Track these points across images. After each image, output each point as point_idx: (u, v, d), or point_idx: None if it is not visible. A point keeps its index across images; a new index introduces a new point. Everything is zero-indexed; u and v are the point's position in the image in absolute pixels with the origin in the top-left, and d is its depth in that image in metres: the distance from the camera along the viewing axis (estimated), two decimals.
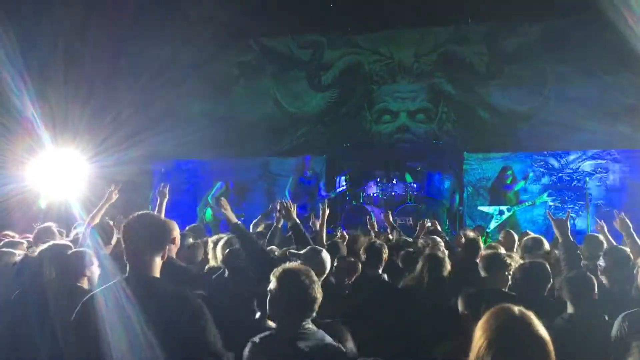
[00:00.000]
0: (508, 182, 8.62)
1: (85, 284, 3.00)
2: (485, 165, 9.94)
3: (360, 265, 3.75)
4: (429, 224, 8.36)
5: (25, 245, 4.10)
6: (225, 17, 10.75)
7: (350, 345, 2.51)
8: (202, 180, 9.84)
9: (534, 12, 10.04)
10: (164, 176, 10.50)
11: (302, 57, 11.24)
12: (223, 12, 10.63)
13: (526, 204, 8.67)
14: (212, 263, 3.88)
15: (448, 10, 10.19)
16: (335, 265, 3.66)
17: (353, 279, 3.68)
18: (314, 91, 11.18)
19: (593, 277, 3.04)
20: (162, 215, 4.11)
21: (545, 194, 8.66)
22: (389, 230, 6.41)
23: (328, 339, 2.28)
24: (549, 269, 3.24)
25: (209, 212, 8.95)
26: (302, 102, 11.23)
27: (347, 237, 4.97)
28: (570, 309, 2.94)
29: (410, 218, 9.10)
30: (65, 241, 3.68)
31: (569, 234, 3.54)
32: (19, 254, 3.65)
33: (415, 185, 9.38)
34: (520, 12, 10.05)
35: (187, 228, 5.38)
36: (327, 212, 4.72)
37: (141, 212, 2.28)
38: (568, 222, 3.52)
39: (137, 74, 11.60)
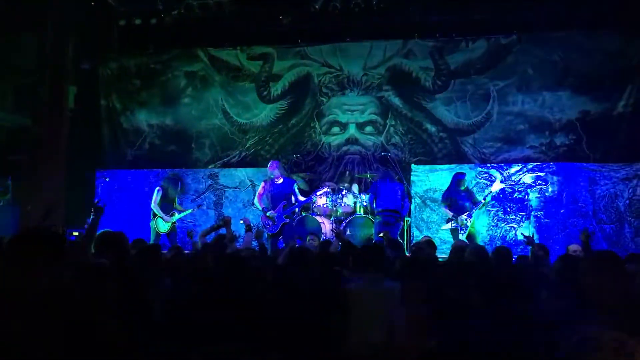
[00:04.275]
0: (462, 188, 8.69)
1: None
2: (432, 177, 10.18)
3: None
4: (381, 235, 8.48)
5: None
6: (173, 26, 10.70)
7: None
8: (150, 192, 9.62)
9: (477, 30, 10.44)
10: (109, 185, 10.23)
11: (251, 68, 11.22)
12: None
13: (479, 208, 8.66)
14: None
15: (396, 25, 10.45)
16: None
17: None
18: (263, 102, 11.17)
19: None
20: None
21: (489, 197, 8.76)
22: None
23: None
24: None
25: (161, 222, 8.74)
26: (251, 113, 11.19)
27: None
28: None
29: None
30: None
31: None
32: None
33: (365, 197, 9.45)
34: (465, 28, 10.43)
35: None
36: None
37: None
38: None
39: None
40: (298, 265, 3.61)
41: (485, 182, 9.93)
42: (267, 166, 8.93)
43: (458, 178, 8.74)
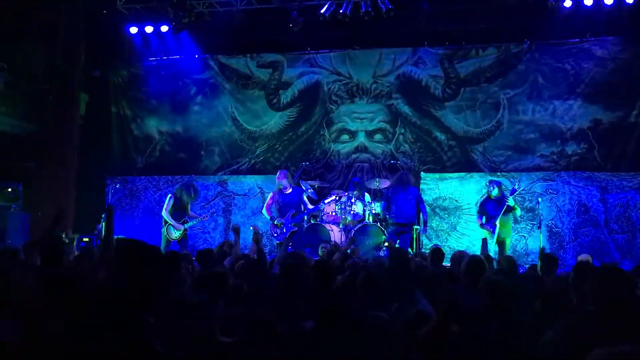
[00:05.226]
0: (492, 196, 8.57)
1: None
2: (442, 185, 10.13)
3: None
4: (386, 244, 8.43)
5: None
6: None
7: None
8: (159, 198, 9.67)
9: (487, 38, 10.39)
10: (119, 192, 10.27)
11: (261, 76, 11.24)
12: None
13: (503, 213, 8.47)
14: None
15: (405, 33, 10.43)
16: None
17: None
18: (273, 110, 11.17)
19: None
20: None
21: (511, 200, 8.55)
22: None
23: None
24: None
25: (172, 229, 8.75)
26: (260, 121, 11.19)
27: None
28: None
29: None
30: None
31: None
32: None
33: (376, 205, 9.39)
34: (475, 36, 10.38)
35: None
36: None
37: None
38: None
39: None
40: (291, 277, 3.57)
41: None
42: (276, 174, 8.92)
43: (487, 187, 8.74)
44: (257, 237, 5.99)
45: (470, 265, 4.37)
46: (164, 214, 8.81)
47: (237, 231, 6.22)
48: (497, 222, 8.34)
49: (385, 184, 9.61)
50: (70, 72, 11.01)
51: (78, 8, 10.83)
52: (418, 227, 9.38)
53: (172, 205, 8.81)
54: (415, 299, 3.62)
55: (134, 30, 10.99)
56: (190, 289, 3.87)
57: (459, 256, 5.45)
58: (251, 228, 7.42)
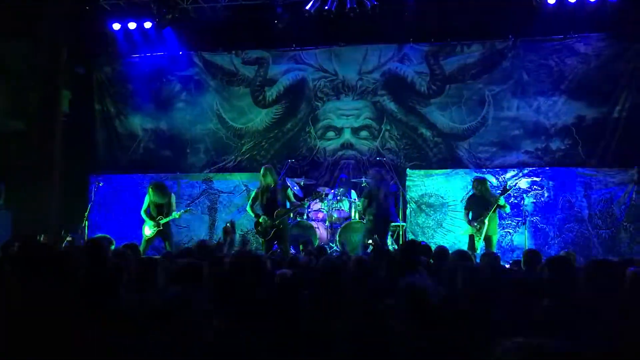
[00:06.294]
0: (476, 192, 8.57)
1: None
2: (427, 182, 10.14)
3: None
4: (370, 242, 8.44)
5: None
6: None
7: None
8: (143, 196, 9.55)
9: (472, 34, 10.41)
10: (103, 190, 10.17)
11: (246, 72, 11.18)
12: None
13: (492, 210, 8.39)
14: None
15: (391, 29, 10.41)
16: None
17: None
18: (259, 107, 11.12)
19: None
20: None
21: (502, 199, 8.55)
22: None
23: None
24: None
25: (146, 228, 8.71)
26: (246, 118, 11.14)
27: None
28: None
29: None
30: None
31: None
32: None
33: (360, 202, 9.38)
34: (460, 33, 10.39)
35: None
36: None
37: None
38: None
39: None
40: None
41: None
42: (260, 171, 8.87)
43: (472, 182, 8.75)
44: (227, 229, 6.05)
45: (456, 258, 4.47)
46: (142, 212, 8.80)
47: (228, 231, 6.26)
48: (485, 220, 8.35)
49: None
50: (53, 69, 10.88)
51: (60, 4, 10.70)
52: (404, 223, 9.40)
53: (148, 204, 8.79)
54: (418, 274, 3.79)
55: (117, 26, 10.90)
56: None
57: (439, 251, 5.55)
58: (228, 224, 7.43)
